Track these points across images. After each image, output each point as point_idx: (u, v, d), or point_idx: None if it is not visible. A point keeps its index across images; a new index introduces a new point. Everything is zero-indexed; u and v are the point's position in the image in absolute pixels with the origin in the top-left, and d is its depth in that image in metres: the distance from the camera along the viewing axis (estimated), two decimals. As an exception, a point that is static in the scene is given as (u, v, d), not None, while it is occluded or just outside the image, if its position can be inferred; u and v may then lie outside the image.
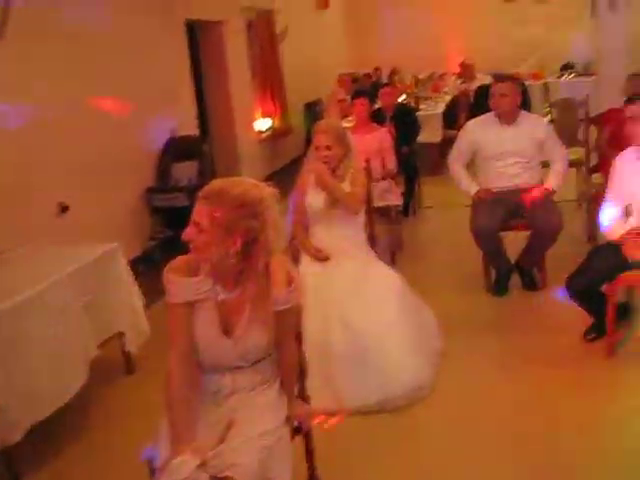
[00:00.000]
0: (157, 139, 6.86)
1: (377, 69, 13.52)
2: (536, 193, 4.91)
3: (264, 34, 9.77)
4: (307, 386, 2.84)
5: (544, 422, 3.49)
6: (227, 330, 2.45)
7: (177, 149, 6.86)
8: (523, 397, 3.75)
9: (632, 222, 3.95)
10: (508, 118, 5.06)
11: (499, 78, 5.19)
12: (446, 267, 5.82)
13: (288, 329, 2.56)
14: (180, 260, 2.45)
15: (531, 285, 5.12)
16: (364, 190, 4.13)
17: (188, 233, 2.32)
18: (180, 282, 2.40)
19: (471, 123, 5.37)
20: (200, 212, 2.29)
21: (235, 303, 2.44)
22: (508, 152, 5.04)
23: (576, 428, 3.41)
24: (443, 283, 5.43)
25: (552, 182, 5.02)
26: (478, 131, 5.18)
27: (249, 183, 2.36)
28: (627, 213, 4.02)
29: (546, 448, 3.28)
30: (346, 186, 4.00)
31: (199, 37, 8.45)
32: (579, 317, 4.24)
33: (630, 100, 3.96)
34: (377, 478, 3.19)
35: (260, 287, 2.41)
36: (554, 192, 5.02)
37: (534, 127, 5.09)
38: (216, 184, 2.35)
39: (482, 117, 5.29)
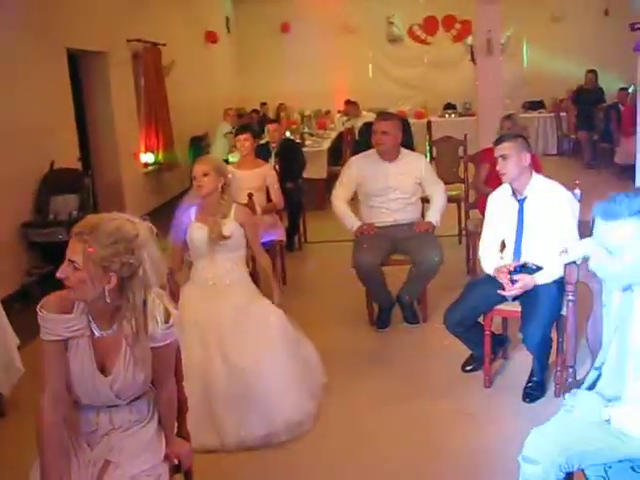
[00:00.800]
0: (34, 171, 6.63)
1: (264, 104, 13.64)
2: (423, 226, 5.10)
3: (150, 67, 9.67)
4: (187, 423, 2.79)
5: (424, 454, 3.54)
6: (103, 368, 2.39)
7: (56, 182, 6.66)
8: (404, 429, 3.80)
9: (507, 256, 4.11)
10: (389, 155, 5.18)
11: (381, 116, 5.32)
12: (330, 301, 5.87)
13: (166, 366, 2.52)
14: (54, 296, 2.37)
15: (412, 319, 5.22)
16: (256, 227, 4.18)
17: (62, 271, 2.25)
18: (53, 319, 2.32)
19: (354, 159, 5.47)
20: (74, 249, 2.23)
21: (111, 340, 2.38)
22: (389, 188, 5.15)
23: (453, 457, 3.49)
24: (326, 317, 5.47)
25: (434, 217, 5.17)
26: (360, 167, 5.28)
27: (123, 218, 2.31)
28: (502, 248, 4.19)
29: (430, 470, 3.35)
30: (230, 221, 3.98)
31: (82, 67, 8.27)
32: (458, 349, 4.36)
33: (497, 141, 4.14)
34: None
35: (137, 324, 2.35)
36: (435, 227, 5.17)
37: (414, 164, 5.24)
38: (89, 220, 2.29)
39: (364, 153, 5.40)
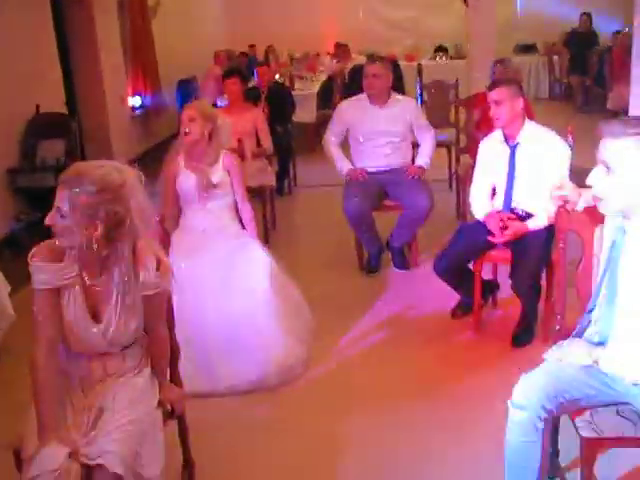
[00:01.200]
0: (19, 116, 6.53)
1: (252, 46, 13.41)
2: (413, 171, 5.08)
3: (136, 8, 9.47)
4: (180, 370, 2.82)
5: (413, 398, 3.59)
6: (95, 316, 2.40)
7: (42, 127, 6.55)
8: (393, 373, 3.85)
9: (497, 202, 4.11)
10: (380, 99, 5.14)
11: (372, 59, 5.25)
12: (319, 246, 5.87)
13: (157, 314, 2.54)
14: (45, 245, 2.37)
15: (402, 264, 5.24)
16: (242, 174, 4.14)
17: (50, 218, 2.26)
18: (44, 268, 2.33)
19: (344, 103, 5.44)
20: (61, 197, 2.23)
21: (102, 289, 2.39)
22: (380, 132, 5.13)
23: (446, 397, 3.56)
24: (316, 262, 5.48)
25: (423, 161, 5.17)
26: (351, 111, 5.25)
27: (110, 166, 2.30)
28: (493, 194, 4.18)
29: (419, 414, 3.40)
30: (218, 168, 3.96)
31: (66, 12, 8.07)
32: (448, 295, 4.38)
33: (491, 86, 4.10)
34: (252, 460, 3.19)
35: (127, 272, 2.36)
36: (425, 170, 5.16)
37: (404, 108, 5.21)
38: (76, 167, 2.29)
39: (355, 98, 5.36)
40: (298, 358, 3.85)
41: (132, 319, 2.41)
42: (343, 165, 5.21)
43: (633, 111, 5.54)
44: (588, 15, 12.37)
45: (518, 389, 2.39)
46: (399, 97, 5.34)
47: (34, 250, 2.36)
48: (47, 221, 2.27)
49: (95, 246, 2.28)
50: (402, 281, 5.10)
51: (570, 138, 4.18)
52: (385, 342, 4.21)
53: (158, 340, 2.59)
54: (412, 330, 4.33)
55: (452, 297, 4.40)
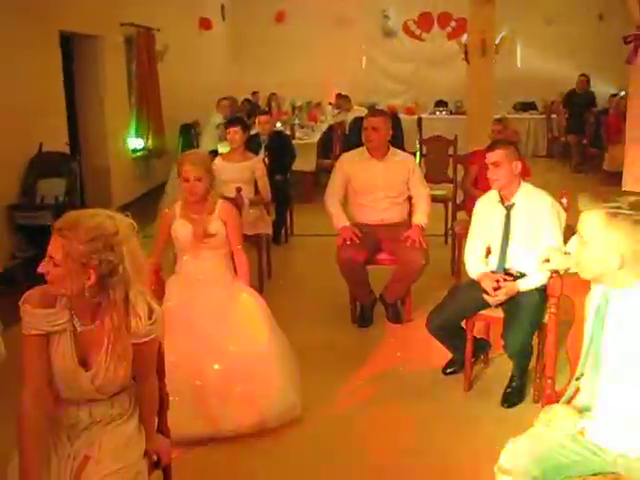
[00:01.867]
0: (22, 154, 6.59)
1: (255, 93, 13.58)
2: (415, 235, 5.01)
3: (143, 52, 9.63)
4: (178, 415, 2.81)
5: (404, 454, 3.57)
6: (84, 362, 2.40)
7: (44, 165, 6.63)
8: (382, 429, 3.83)
9: (492, 262, 4.14)
10: (378, 152, 5.20)
11: (372, 112, 5.32)
12: (313, 296, 5.87)
13: (148, 362, 2.53)
14: (36, 291, 2.38)
15: (395, 318, 5.24)
16: (239, 224, 4.18)
17: (42, 266, 2.27)
18: (35, 313, 2.33)
19: (345, 156, 5.49)
20: (54, 245, 2.24)
21: (93, 335, 2.39)
22: (378, 186, 5.17)
23: (435, 456, 3.54)
24: (309, 312, 5.49)
25: (421, 220, 5.15)
26: (350, 164, 5.29)
27: (104, 215, 2.32)
28: (487, 253, 4.21)
29: (407, 470, 3.40)
30: (215, 218, 4.00)
31: (74, 50, 8.21)
32: (440, 351, 4.38)
33: (490, 147, 4.15)
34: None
35: (119, 319, 2.36)
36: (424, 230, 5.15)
37: (403, 164, 5.25)
38: (70, 216, 2.31)
39: (355, 151, 5.42)
40: (293, 401, 3.82)
41: (122, 367, 2.40)
42: (339, 221, 5.18)
43: (628, 172, 5.61)
44: (585, 76, 12.57)
45: (505, 454, 2.39)
46: (398, 152, 5.39)
47: (26, 295, 2.37)
48: (40, 269, 2.28)
49: (87, 294, 2.29)
50: (395, 335, 5.09)
51: (565, 200, 4.22)
52: (377, 395, 4.19)
53: (147, 389, 2.57)
54: (404, 385, 4.32)
55: (444, 353, 4.39)
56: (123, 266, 2.29)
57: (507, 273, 4.02)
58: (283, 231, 7.65)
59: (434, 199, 6.72)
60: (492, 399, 4.09)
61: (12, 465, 2.37)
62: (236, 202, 4.52)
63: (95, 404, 2.45)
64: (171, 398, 2.81)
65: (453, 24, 14.97)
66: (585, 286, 2.63)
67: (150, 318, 2.40)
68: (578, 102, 12.34)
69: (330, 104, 13.45)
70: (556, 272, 2.70)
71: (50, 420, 2.41)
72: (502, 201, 4.08)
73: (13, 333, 4.25)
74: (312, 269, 6.64)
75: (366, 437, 3.76)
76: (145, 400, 2.58)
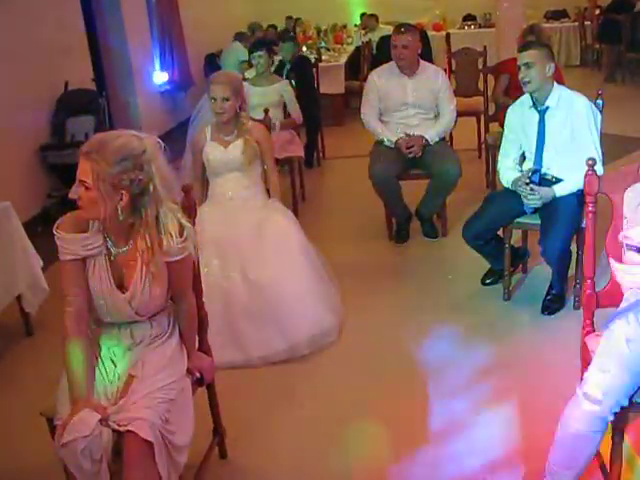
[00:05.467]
0: (49, 93, 6.57)
1: (289, 18, 13.32)
2: (417, 144, 4.97)
3: (162, -17, 9.47)
4: (210, 341, 2.84)
5: (443, 367, 3.59)
6: (121, 285, 2.42)
7: (72, 104, 6.59)
8: (423, 341, 3.84)
9: (527, 167, 4.05)
10: (409, 69, 5.09)
11: (400, 28, 5.18)
12: (349, 217, 5.85)
13: (184, 280, 2.55)
14: (69, 216, 2.39)
15: (432, 233, 5.22)
16: (270, 144, 4.14)
17: (74, 191, 2.28)
18: (69, 239, 2.35)
19: (374, 73, 5.34)
20: (83, 169, 2.23)
21: (128, 257, 2.41)
22: (409, 104, 5.09)
23: (476, 366, 3.54)
24: (346, 232, 5.48)
25: (429, 135, 5.03)
26: (381, 81, 5.19)
27: (129, 135, 2.31)
28: (522, 160, 4.13)
29: (449, 381, 3.39)
30: (239, 145, 3.97)
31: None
32: (478, 263, 4.36)
33: (522, 48, 4.02)
34: (283, 429, 3.21)
35: (151, 239, 2.37)
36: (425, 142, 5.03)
37: (433, 78, 5.13)
38: (96, 138, 2.29)
39: (384, 67, 5.30)
40: (329, 326, 3.86)
41: (157, 287, 2.42)
42: (389, 136, 5.08)
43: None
44: None
45: (594, 382, 2.29)
46: (428, 66, 5.26)
47: (59, 221, 2.38)
48: (71, 195, 2.31)
49: (121, 216, 2.30)
50: (432, 249, 5.08)
51: (600, 102, 4.09)
52: (416, 310, 4.19)
53: (185, 308, 2.60)
54: (443, 298, 4.31)
55: (482, 264, 4.37)
56: (153, 184, 2.30)
57: (544, 178, 3.94)
58: (315, 154, 7.59)
59: (465, 113, 6.62)
60: (533, 308, 4.06)
61: (60, 387, 2.42)
62: (266, 124, 4.48)
63: (135, 325, 2.49)
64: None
65: None
66: (623, 183, 2.57)
67: (181, 235, 2.40)
68: (614, 7, 11.85)
69: (356, 26, 13.16)
70: (592, 170, 2.63)
71: (92, 342, 2.44)
72: (535, 105, 3.97)
73: (54, 270, 4.36)
74: (346, 190, 6.60)
75: (406, 349, 3.78)
76: (184, 319, 2.61)
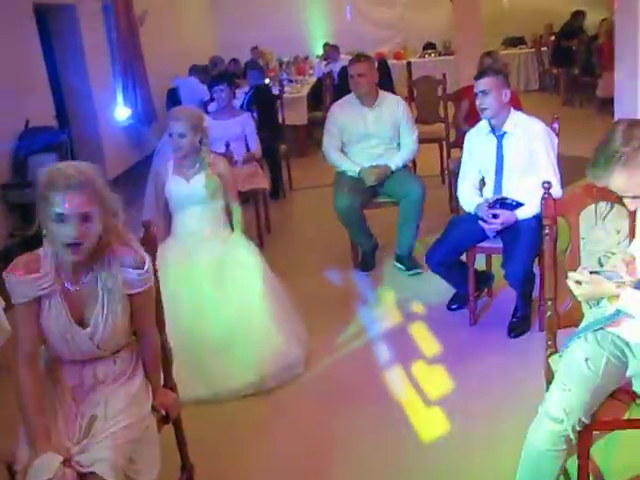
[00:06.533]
0: (9, 132, 6.52)
1: (254, 48, 13.39)
2: (380, 175, 5.01)
3: (122, 17, 9.43)
4: (177, 376, 2.81)
5: (411, 394, 3.59)
6: (81, 320, 2.39)
7: (33, 141, 6.55)
8: (391, 368, 3.85)
9: (487, 194, 4.11)
10: (368, 99, 5.12)
11: (355, 58, 5.22)
12: (315, 247, 5.86)
13: (146, 313, 2.53)
14: (19, 259, 2.35)
15: (414, 266, 5.08)
16: (232, 177, 4.16)
17: (78, 230, 2.21)
18: (20, 281, 2.31)
19: (334, 106, 5.37)
20: (81, 202, 2.20)
21: (87, 291, 2.38)
22: (370, 134, 5.12)
23: (444, 391, 3.56)
24: (312, 263, 5.47)
25: (393, 162, 5.07)
26: (342, 114, 5.21)
27: (83, 163, 2.33)
28: (482, 185, 4.18)
29: (418, 409, 3.39)
30: (201, 178, 3.97)
31: (51, 22, 8.08)
32: (444, 288, 4.39)
33: (478, 75, 4.09)
34: (251, 462, 3.18)
35: (112, 271, 2.36)
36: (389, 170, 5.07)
37: (393, 109, 5.16)
38: (69, 172, 2.23)
39: (344, 99, 5.33)
40: (296, 358, 3.85)
41: (119, 319, 2.40)
42: (351, 166, 5.10)
43: (619, 97, 5.53)
44: (582, 13, 12.28)
45: (555, 401, 2.31)
46: (388, 95, 5.30)
47: (9, 266, 2.34)
48: (79, 237, 2.22)
49: (95, 241, 2.29)
50: (397, 276, 5.08)
51: (556, 125, 4.17)
52: (382, 337, 4.21)
53: (149, 342, 2.57)
54: (409, 324, 4.33)
55: (449, 290, 4.40)
56: (117, 209, 2.35)
57: (503, 202, 3.98)
58: (280, 186, 7.59)
59: (427, 140, 6.68)
60: (499, 331, 4.10)
61: (20, 430, 2.37)
62: (227, 157, 4.49)
63: (98, 363, 2.45)
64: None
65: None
66: (579, 205, 2.62)
67: (142, 267, 2.40)
68: (567, 33, 12.12)
69: (318, 57, 13.30)
70: (549, 193, 2.67)
71: (54, 382, 2.42)
72: (493, 131, 4.04)
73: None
74: (312, 220, 6.61)
75: (373, 376, 3.78)
76: (148, 354, 2.59)
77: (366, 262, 5.23)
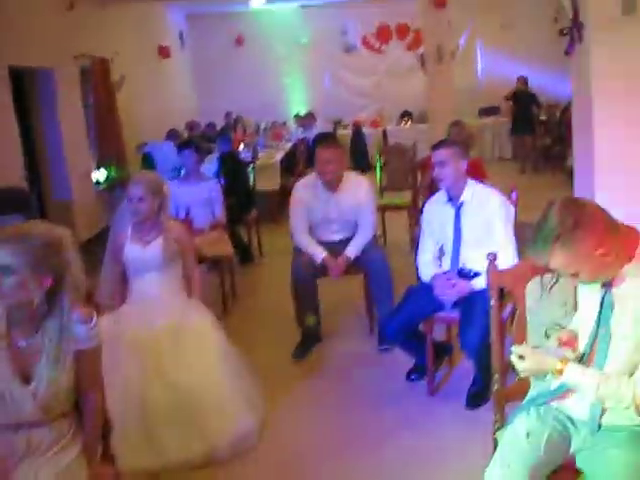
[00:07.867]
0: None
1: (228, 114, 13.58)
2: (340, 268, 4.87)
3: (99, 82, 9.57)
4: (126, 445, 2.74)
5: (367, 465, 3.53)
6: (24, 376, 2.35)
7: (1, 203, 6.52)
8: (347, 437, 3.80)
9: (445, 262, 4.11)
10: (332, 185, 4.97)
11: (323, 143, 5.12)
12: (277, 316, 5.67)
13: (91, 373, 2.49)
14: None
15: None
16: (190, 242, 4.15)
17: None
18: None
19: (299, 186, 5.18)
20: (7, 253, 2.23)
21: (34, 347, 2.36)
22: (332, 219, 5.03)
23: (401, 461, 3.51)
24: (272, 332, 5.38)
25: (352, 251, 4.92)
26: (304, 196, 5.06)
27: (44, 224, 2.38)
28: (441, 254, 4.18)
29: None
30: (158, 243, 3.96)
31: (27, 85, 8.15)
32: (403, 358, 4.35)
33: (434, 147, 4.13)
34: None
35: (63, 326, 2.36)
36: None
37: (356, 193, 5.00)
38: (12, 228, 2.33)
39: (309, 179, 5.19)
40: (250, 429, 3.77)
41: (64, 377, 2.37)
42: (316, 252, 4.92)
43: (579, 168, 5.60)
44: (524, 78, 12.54)
45: (495, 476, 2.29)
46: (351, 177, 5.14)
47: None
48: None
49: (37, 302, 2.30)
50: (357, 347, 5.00)
51: (514, 195, 4.21)
52: (339, 407, 4.14)
53: (90, 406, 2.50)
54: (366, 395, 4.27)
55: (408, 360, 4.36)
56: (70, 271, 2.34)
57: (461, 273, 3.99)
58: (246, 251, 7.54)
59: (396, 207, 6.73)
60: (457, 402, 4.04)
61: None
62: (186, 222, 4.49)
63: (35, 430, 2.38)
64: (118, 427, 2.73)
65: (411, 35, 15.09)
66: (524, 276, 2.62)
67: (90, 322, 2.41)
68: (523, 102, 12.37)
69: (295, 123, 13.49)
70: (493, 265, 2.68)
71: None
72: (451, 201, 4.06)
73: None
74: (279, 288, 6.47)
75: (328, 450, 3.71)
76: (89, 418, 2.51)
77: (303, 347, 4.95)
